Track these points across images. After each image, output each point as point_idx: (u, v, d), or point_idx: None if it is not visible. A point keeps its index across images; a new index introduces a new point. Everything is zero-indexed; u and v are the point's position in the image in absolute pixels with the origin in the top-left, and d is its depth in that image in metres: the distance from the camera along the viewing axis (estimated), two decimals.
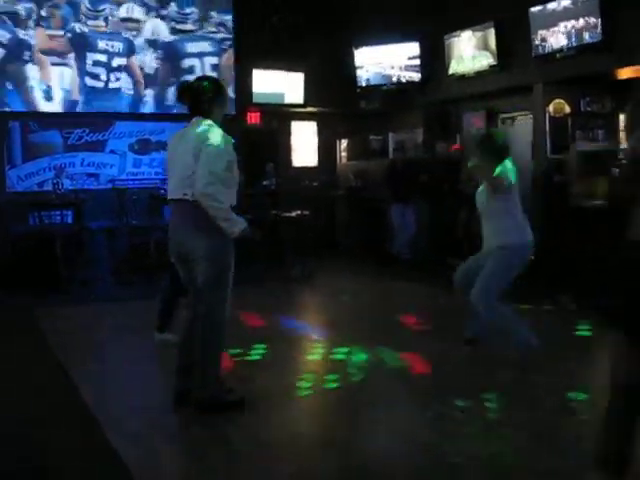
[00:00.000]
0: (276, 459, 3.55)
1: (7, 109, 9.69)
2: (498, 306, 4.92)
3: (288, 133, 12.33)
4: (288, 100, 11.53)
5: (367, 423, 4.06)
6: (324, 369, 5.16)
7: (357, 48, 11.36)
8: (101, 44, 10.18)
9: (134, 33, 10.42)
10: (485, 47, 9.65)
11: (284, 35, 10.98)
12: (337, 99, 11.74)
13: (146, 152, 10.53)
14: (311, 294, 8.59)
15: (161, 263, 9.17)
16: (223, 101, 4.34)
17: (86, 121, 10.15)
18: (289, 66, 11.29)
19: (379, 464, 3.46)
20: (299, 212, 9.48)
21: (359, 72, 11.44)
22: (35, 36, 9.73)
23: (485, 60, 9.69)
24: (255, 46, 10.85)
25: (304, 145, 12.58)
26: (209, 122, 4.14)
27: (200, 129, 4.08)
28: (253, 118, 11.50)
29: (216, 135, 4.04)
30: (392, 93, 11.37)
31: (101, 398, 4.44)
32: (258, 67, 11.11)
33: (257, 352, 5.51)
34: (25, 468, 3.51)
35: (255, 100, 11.25)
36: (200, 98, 4.20)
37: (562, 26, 8.45)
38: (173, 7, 10.69)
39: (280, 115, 11.89)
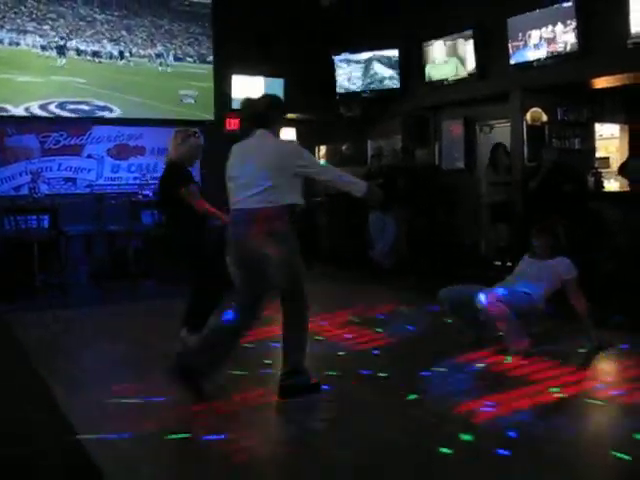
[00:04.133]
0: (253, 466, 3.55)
1: None
2: None
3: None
4: None
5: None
6: None
7: (337, 55, 11.41)
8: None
9: None
10: (464, 55, 9.74)
11: (264, 41, 10.98)
12: (317, 106, 11.76)
13: (124, 157, 10.47)
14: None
15: (140, 268, 9.26)
16: (283, 115, 4.72)
17: (63, 125, 10.07)
18: (269, 72, 11.29)
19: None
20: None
21: (339, 79, 11.49)
22: None
23: (463, 68, 9.78)
24: (235, 52, 10.84)
25: None
26: (274, 135, 4.48)
27: (273, 143, 4.44)
28: (232, 124, 11.47)
29: (292, 144, 4.81)
30: (371, 100, 11.43)
31: (76, 403, 4.39)
32: (237, 73, 11.11)
33: None
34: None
35: (234, 106, 11.22)
36: (266, 113, 4.46)
37: (539, 35, 8.57)
38: None
39: None
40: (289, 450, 3.76)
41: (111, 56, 10.42)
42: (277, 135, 4.55)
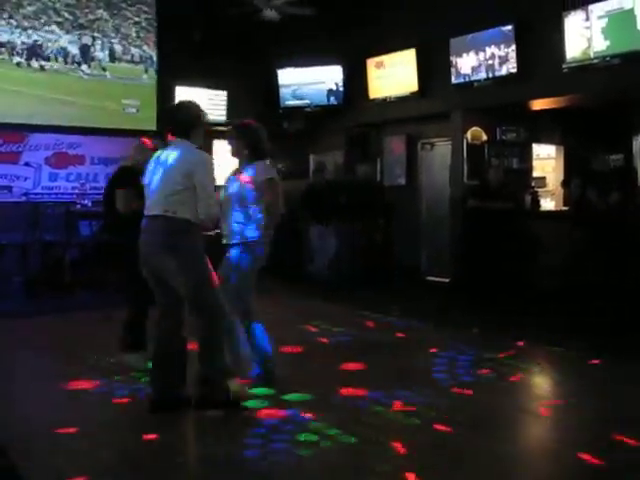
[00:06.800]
0: None
1: None
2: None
3: (209, 151, 12.20)
4: (210, 118, 11.39)
5: None
6: None
7: (280, 69, 11.43)
8: None
9: None
10: (407, 73, 9.87)
11: (207, 52, 10.90)
12: (259, 119, 11.58)
13: (63, 166, 10.23)
14: None
15: (77, 279, 9.04)
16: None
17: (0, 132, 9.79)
18: (212, 84, 11.22)
19: None
20: (218, 232, 9.35)
21: (282, 93, 11.50)
22: None
23: (406, 86, 9.91)
24: (178, 63, 10.74)
25: (225, 164, 12.48)
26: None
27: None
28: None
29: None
30: (314, 115, 11.48)
31: (4, 420, 4.22)
32: (180, 84, 11.00)
33: None
34: None
35: None
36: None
37: (480, 56, 8.76)
38: None
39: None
40: None
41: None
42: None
